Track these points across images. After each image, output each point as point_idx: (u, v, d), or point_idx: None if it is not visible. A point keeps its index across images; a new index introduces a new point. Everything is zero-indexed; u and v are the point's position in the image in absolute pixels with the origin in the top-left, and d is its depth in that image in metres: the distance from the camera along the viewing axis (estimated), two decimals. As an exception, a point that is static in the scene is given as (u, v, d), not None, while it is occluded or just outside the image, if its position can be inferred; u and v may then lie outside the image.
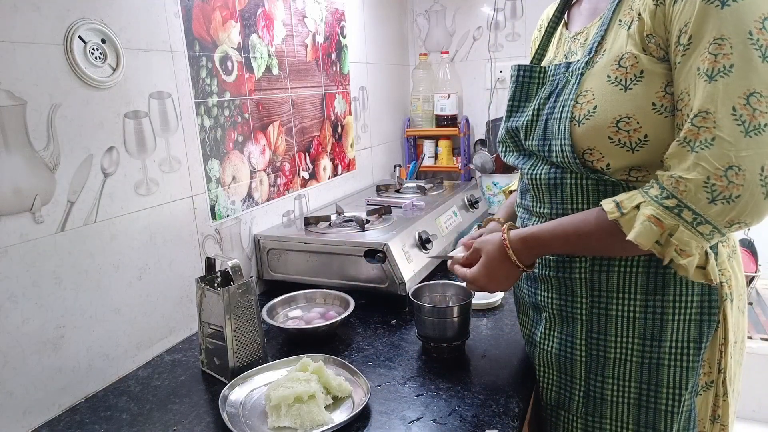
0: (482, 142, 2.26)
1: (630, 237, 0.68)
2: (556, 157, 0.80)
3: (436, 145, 2.31)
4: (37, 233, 0.87)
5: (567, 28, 0.93)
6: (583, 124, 0.75)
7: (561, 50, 0.90)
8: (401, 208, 1.59)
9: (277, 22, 1.45)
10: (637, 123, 0.71)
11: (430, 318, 1.01)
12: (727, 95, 0.63)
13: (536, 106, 0.85)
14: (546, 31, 0.96)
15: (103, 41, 0.97)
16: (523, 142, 0.89)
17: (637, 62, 0.71)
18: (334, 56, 1.75)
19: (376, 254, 1.24)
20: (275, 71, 1.45)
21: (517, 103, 0.92)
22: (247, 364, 0.99)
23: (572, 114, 0.76)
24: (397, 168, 2.20)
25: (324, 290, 1.25)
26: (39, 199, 0.88)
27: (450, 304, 1.07)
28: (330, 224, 1.44)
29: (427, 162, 2.30)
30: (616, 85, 0.73)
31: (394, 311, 1.26)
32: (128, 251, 1.04)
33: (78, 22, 0.92)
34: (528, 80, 0.90)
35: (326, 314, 1.19)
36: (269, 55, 1.42)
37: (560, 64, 0.84)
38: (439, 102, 2.23)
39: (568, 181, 0.82)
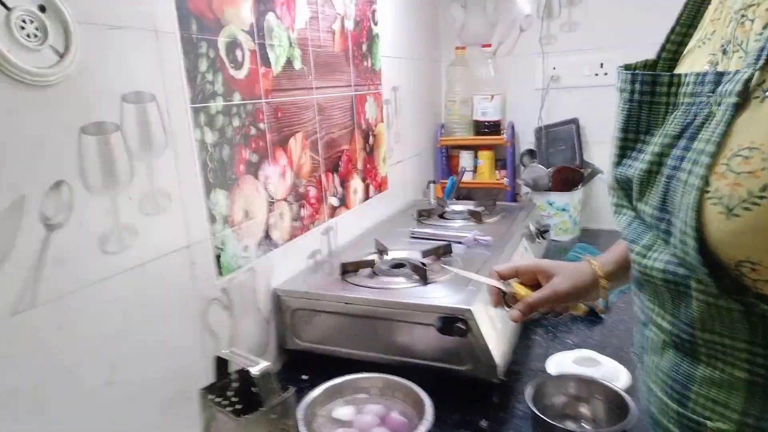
0: (531, 153, 1.90)
1: None
2: (675, 246, 0.44)
3: (475, 157, 1.95)
4: None
5: None
6: (737, 216, 0.38)
7: (717, 33, 0.48)
8: (460, 243, 1.22)
9: (299, -2, 1.07)
10: None
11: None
12: None
13: (658, 149, 0.47)
14: None
15: (42, 9, 0.59)
16: (635, 202, 0.51)
17: None
18: (365, 47, 1.38)
19: (454, 325, 0.87)
20: (297, 65, 1.07)
21: (632, 136, 0.51)
22: None
23: (710, 185, 0.39)
24: (431, 185, 1.83)
25: (383, 376, 0.87)
26: None
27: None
28: (374, 271, 1.07)
29: (465, 177, 1.93)
30: None
31: (481, 405, 0.88)
32: (88, 344, 0.65)
33: (-5, -27, 0.54)
34: (650, 96, 0.49)
35: (386, 417, 0.81)
36: (290, 43, 1.05)
37: (705, 74, 0.44)
38: (480, 105, 1.86)
39: (696, 294, 0.45)
